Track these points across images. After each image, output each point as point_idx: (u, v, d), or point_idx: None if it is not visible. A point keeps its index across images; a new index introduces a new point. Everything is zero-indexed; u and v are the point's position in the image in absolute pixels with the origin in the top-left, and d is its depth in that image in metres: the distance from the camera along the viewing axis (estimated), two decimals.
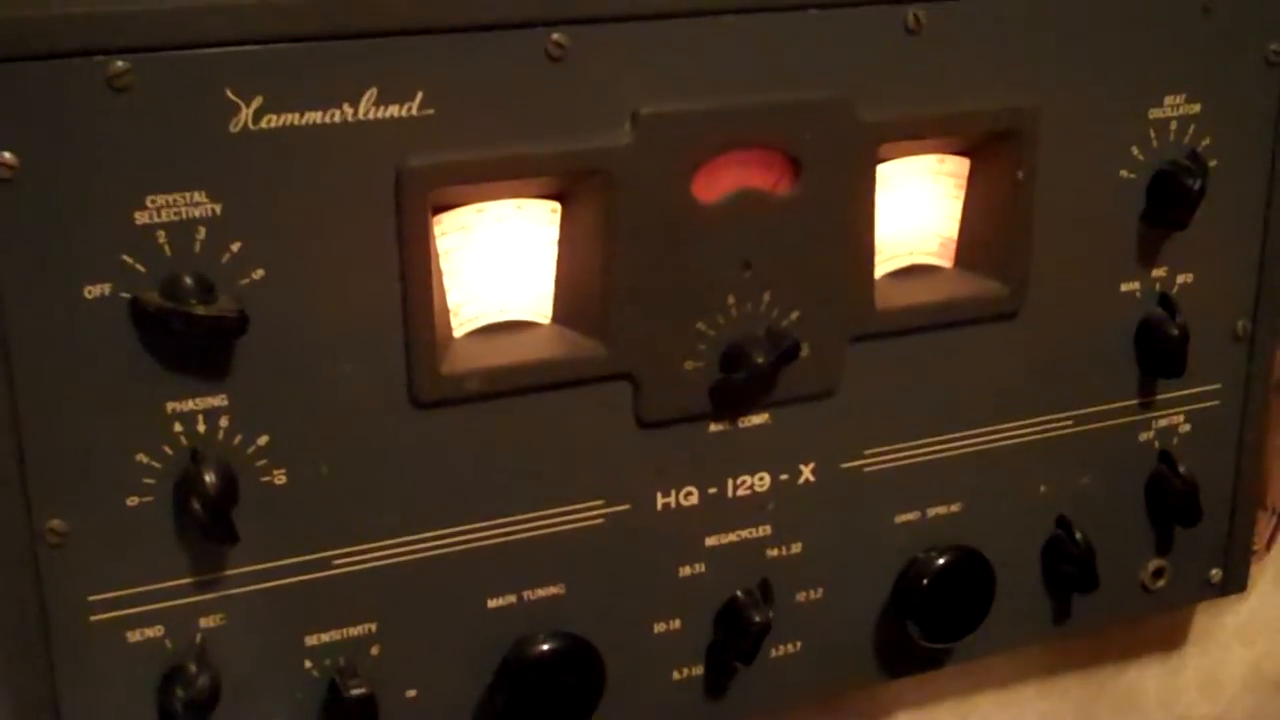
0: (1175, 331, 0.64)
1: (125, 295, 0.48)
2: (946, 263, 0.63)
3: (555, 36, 0.51)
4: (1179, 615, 0.79)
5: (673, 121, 0.53)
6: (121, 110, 0.46)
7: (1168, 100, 0.62)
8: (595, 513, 0.57)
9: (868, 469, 0.62)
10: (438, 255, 0.53)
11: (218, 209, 0.48)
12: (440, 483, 0.54)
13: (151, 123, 0.46)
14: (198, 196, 0.48)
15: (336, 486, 0.52)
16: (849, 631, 0.64)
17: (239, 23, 0.47)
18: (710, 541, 0.59)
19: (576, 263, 0.55)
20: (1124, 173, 0.62)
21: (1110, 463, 0.67)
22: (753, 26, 0.53)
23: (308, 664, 0.54)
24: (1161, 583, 0.70)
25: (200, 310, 0.47)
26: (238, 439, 0.50)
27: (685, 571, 0.59)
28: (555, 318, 0.56)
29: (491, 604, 0.56)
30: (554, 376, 0.54)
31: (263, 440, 0.51)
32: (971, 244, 0.62)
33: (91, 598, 0.50)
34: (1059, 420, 0.65)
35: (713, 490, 0.59)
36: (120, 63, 0.45)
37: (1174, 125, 0.63)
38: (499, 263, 0.55)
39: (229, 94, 0.47)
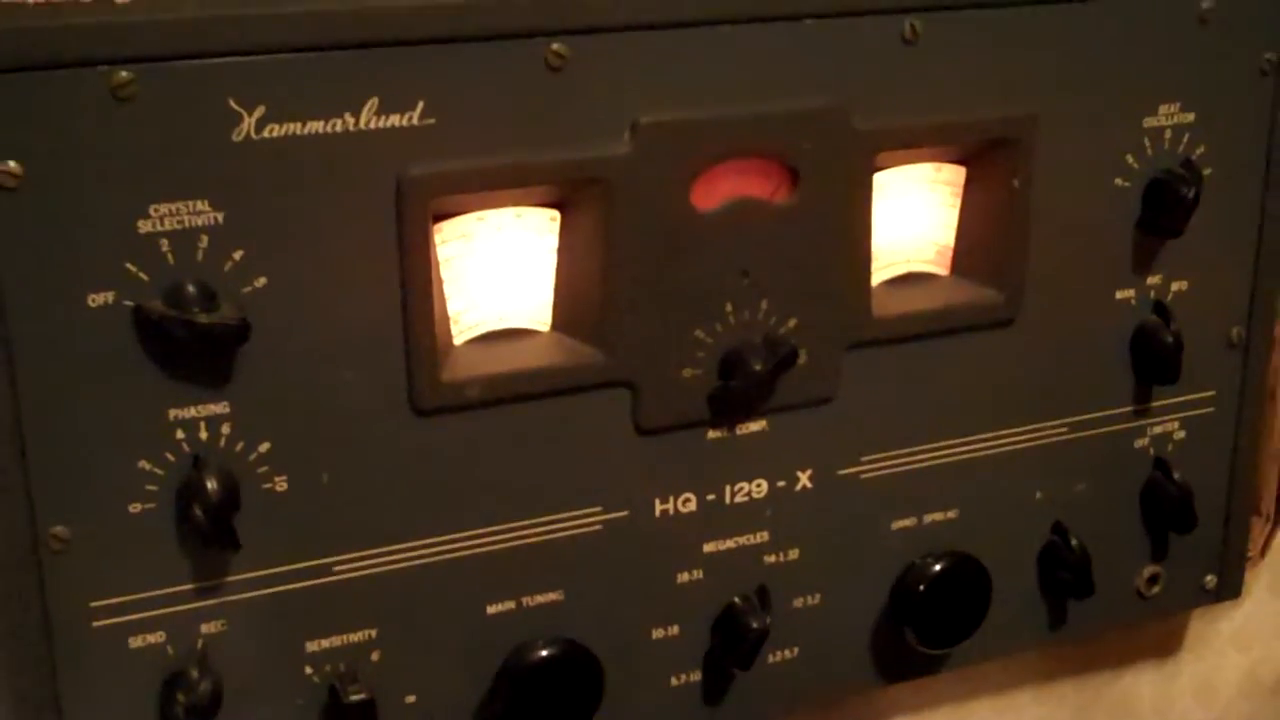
0: (1170, 339, 0.65)
1: (128, 303, 0.48)
2: (943, 270, 0.63)
3: (555, 46, 0.51)
4: (1174, 621, 0.79)
5: (671, 131, 0.53)
6: (125, 120, 0.46)
7: (1162, 109, 0.63)
8: (594, 519, 0.57)
9: (865, 475, 0.62)
10: (438, 263, 0.53)
11: (220, 217, 0.48)
12: (440, 489, 0.54)
13: (155, 132, 0.47)
14: (200, 205, 0.48)
15: (337, 493, 0.53)
16: (846, 637, 0.64)
17: (241, 33, 0.47)
18: (708, 548, 0.60)
19: (576, 271, 0.55)
20: (1119, 181, 0.63)
21: (1105, 469, 0.67)
22: (750, 36, 0.54)
23: (308, 670, 0.54)
24: (1157, 589, 0.70)
25: (203, 318, 0.47)
26: (239, 446, 0.51)
27: (683, 578, 0.60)
28: (554, 325, 0.57)
29: (490, 610, 0.56)
30: (553, 384, 0.55)
31: (264, 447, 0.51)
32: (968, 252, 0.62)
33: (94, 604, 0.50)
34: (1055, 427, 0.65)
35: (711, 497, 0.59)
36: (124, 73, 0.46)
37: (1168, 134, 0.63)
38: (499, 271, 0.55)
39: (232, 104, 0.47)
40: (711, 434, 0.58)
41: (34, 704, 0.50)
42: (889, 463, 0.62)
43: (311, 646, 0.54)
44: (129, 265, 0.48)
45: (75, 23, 0.45)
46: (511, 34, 0.50)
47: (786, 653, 0.62)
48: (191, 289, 0.48)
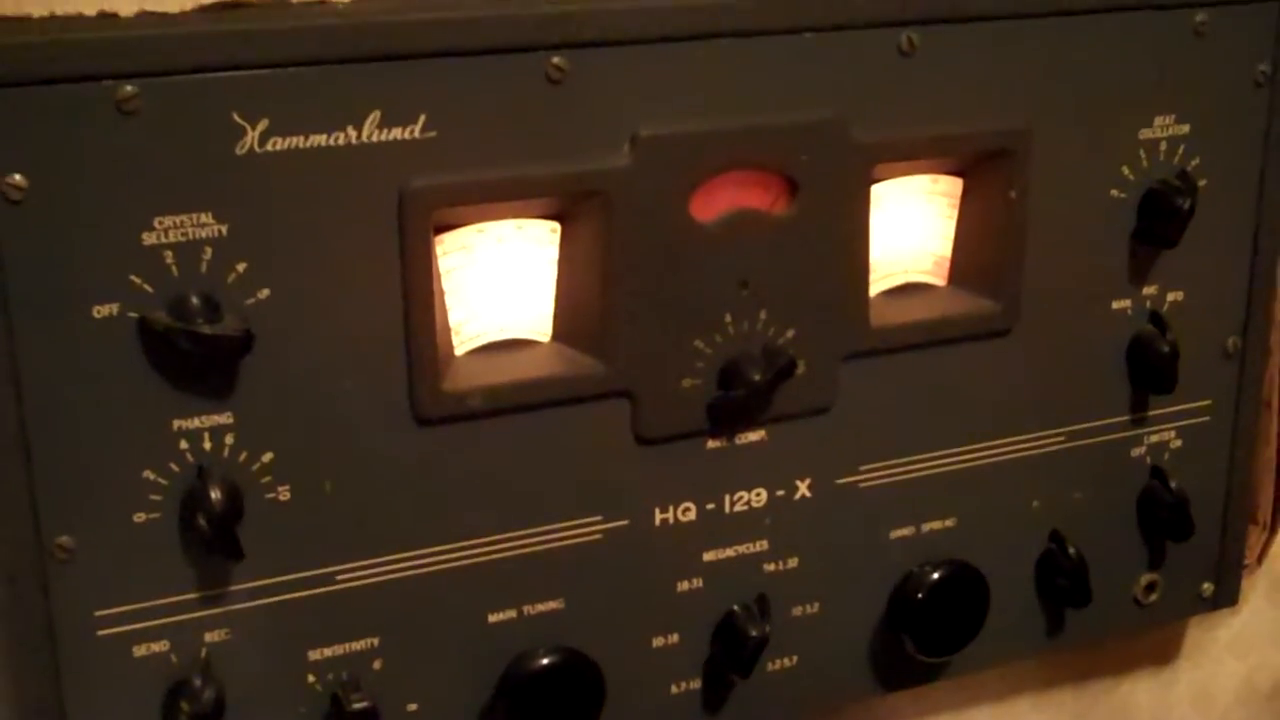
0: (1166, 348, 0.65)
1: (133, 315, 0.48)
2: (940, 281, 0.63)
3: (555, 60, 0.51)
4: (1171, 629, 0.79)
5: (671, 143, 0.54)
6: (130, 133, 0.47)
7: (1158, 121, 0.63)
8: (594, 528, 0.58)
9: (863, 485, 0.62)
10: (439, 274, 0.54)
11: (224, 230, 0.49)
12: (441, 499, 0.54)
13: (159, 145, 0.47)
14: (204, 218, 0.48)
15: (339, 503, 0.53)
16: (845, 645, 0.64)
17: (245, 47, 0.47)
18: (708, 557, 0.60)
19: (576, 282, 0.56)
20: (1115, 192, 0.63)
21: (1102, 478, 0.67)
22: (749, 50, 0.54)
23: (311, 678, 0.54)
24: (1154, 597, 0.71)
25: (206, 329, 0.48)
26: (243, 456, 0.51)
27: (683, 586, 0.60)
28: (555, 336, 0.57)
29: (492, 619, 0.57)
30: (554, 394, 0.55)
31: (267, 457, 0.51)
32: (965, 262, 0.63)
33: (98, 613, 0.51)
34: (1052, 436, 0.66)
35: (710, 506, 0.59)
36: (129, 87, 0.46)
37: (1164, 145, 0.63)
38: (500, 282, 0.56)
39: (235, 117, 0.48)
40: (711, 443, 0.59)
41: (39, 712, 0.51)
42: (887, 472, 0.63)
43: (314, 655, 0.54)
44: (133, 277, 0.48)
45: (80, 37, 0.46)
46: (512, 48, 0.51)
47: (786, 661, 0.63)
48: (195, 300, 0.48)
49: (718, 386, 0.57)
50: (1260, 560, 0.78)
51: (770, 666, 0.62)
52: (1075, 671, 0.77)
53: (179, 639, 0.52)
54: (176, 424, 0.50)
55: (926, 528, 0.64)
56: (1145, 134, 0.63)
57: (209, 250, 0.49)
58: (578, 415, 0.56)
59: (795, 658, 0.63)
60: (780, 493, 0.61)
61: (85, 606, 0.50)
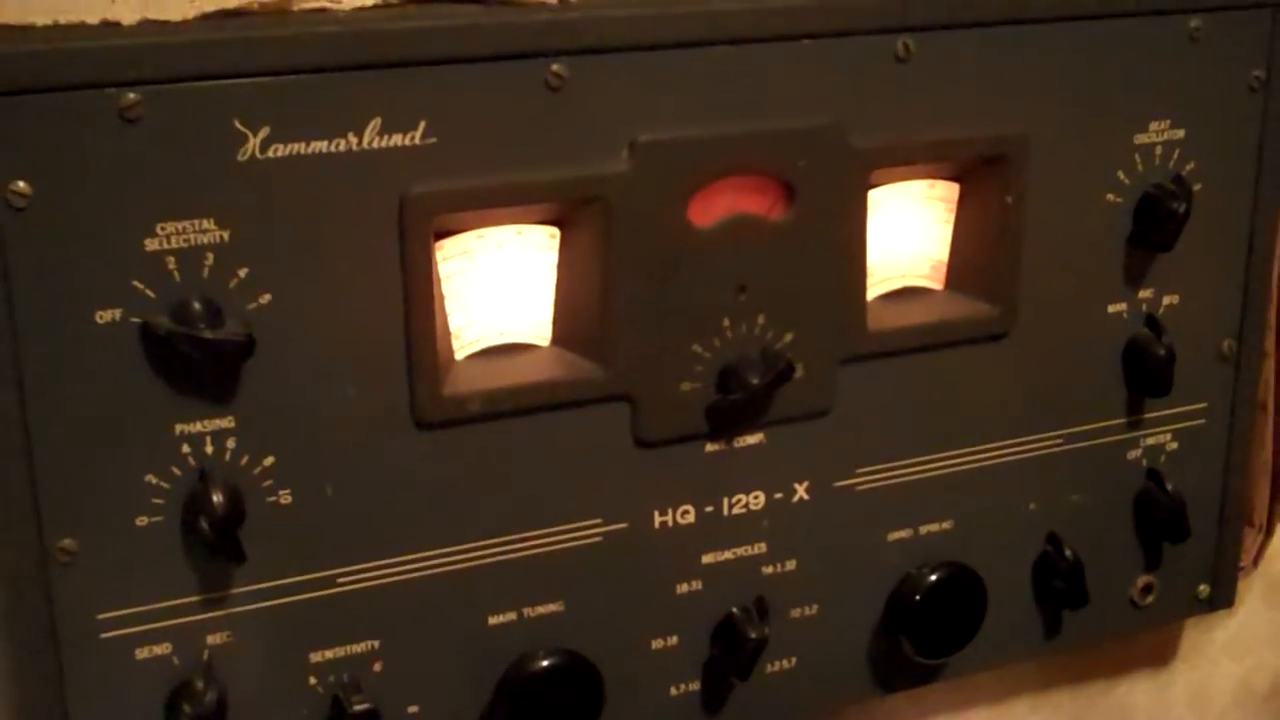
0: (1162, 351, 0.65)
1: (135, 320, 0.49)
2: (937, 285, 0.64)
3: (555, 67, 0.52)
4: (1168, 631, 0.79)
5: (669, 149, 0.54)
6: (132, 140, 0.47)
7: (1153, 126, 0.63)
8: (594, 531, 0.58)
9: (861, 487, 0.62)
10: (440, 280, 0.54)
11: (226, 236, 0.49)
12: (442, 502, 0.55)
13: (161, 152, 0.47)
14: (206, 224, 0.49)
15: (340, 506, 0.53)
16: (843, 647, 0.64)
17: (246, 55, 0.48)
18: (707, 559, 0.60)
19: (575, 287, 0.56)
20: (1110, 196, 0.63)
21: (1099, 480, 0.68)
22: (747, 56, 0.55)
23: (312, 680, 0.55)
24: (1150, 599, 0.71)
25: (208, 334, 0.48)
26: (244, 460, 0.51)
27: (682, 589, 0.60)
28: (554, 340, 0.57)
29: (492, 621, 0.57)
30: (553, 398, 0.55)
31: (269, 461, 0.52)
32: (962, 267, 0.63)
33: (101, 615, 0.51)
34: (1049, 439, 0.66)
35: (709, 509, 0.60)
36: (131, 94, 0.46)
37: (1159, 150, 0.64)
38: (499, 287, 0.56)
39: (237, 124, 0.48)
40: (710, 447, 0.59)
41: (42, 714, 0.51)
42: (885, 474, 0.63)
43: (315, 657, 0.54)
44: (136, 283, 0.48)
45: (83, 45, 0.46)
46: (512, 55, 0.51)
47: (784, 663, 0.63)
48: (197, 306, 0.49)
49: (716, 390, 0.58)
50: (1256, 562, 0.78)
51: (769, 668, 0.63)
52: (1072, 673, 0.78)
53: (181, 641, 0.52)
54: (179, 428, 0.50)
55: (924, 530, 0.64)
56: (1140, 139, 0.63)
57: (211, 256, 0.49)
58: (577, 419, 0.56)
59: (794, 659, 0.63)
60: (778, 495, 0.61)
61: (88, 609, 0.51)
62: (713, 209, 0.56)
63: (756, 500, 0.60)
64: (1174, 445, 0.69)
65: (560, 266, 0.56)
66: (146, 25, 0.48)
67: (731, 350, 0.57)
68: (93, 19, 0.48)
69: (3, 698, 0.52)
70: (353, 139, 0.50)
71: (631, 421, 0.57)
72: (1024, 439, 0.65)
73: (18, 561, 0.49)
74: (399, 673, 0.56)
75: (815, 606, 0.63)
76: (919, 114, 0.58)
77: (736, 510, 0.60)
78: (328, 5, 0.51)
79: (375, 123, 0.50)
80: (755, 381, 0.57)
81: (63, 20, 0.48)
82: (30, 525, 0.49)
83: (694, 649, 0.61)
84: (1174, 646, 0.80)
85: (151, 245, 0.48)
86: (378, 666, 0.55)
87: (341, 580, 0.54)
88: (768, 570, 0.61)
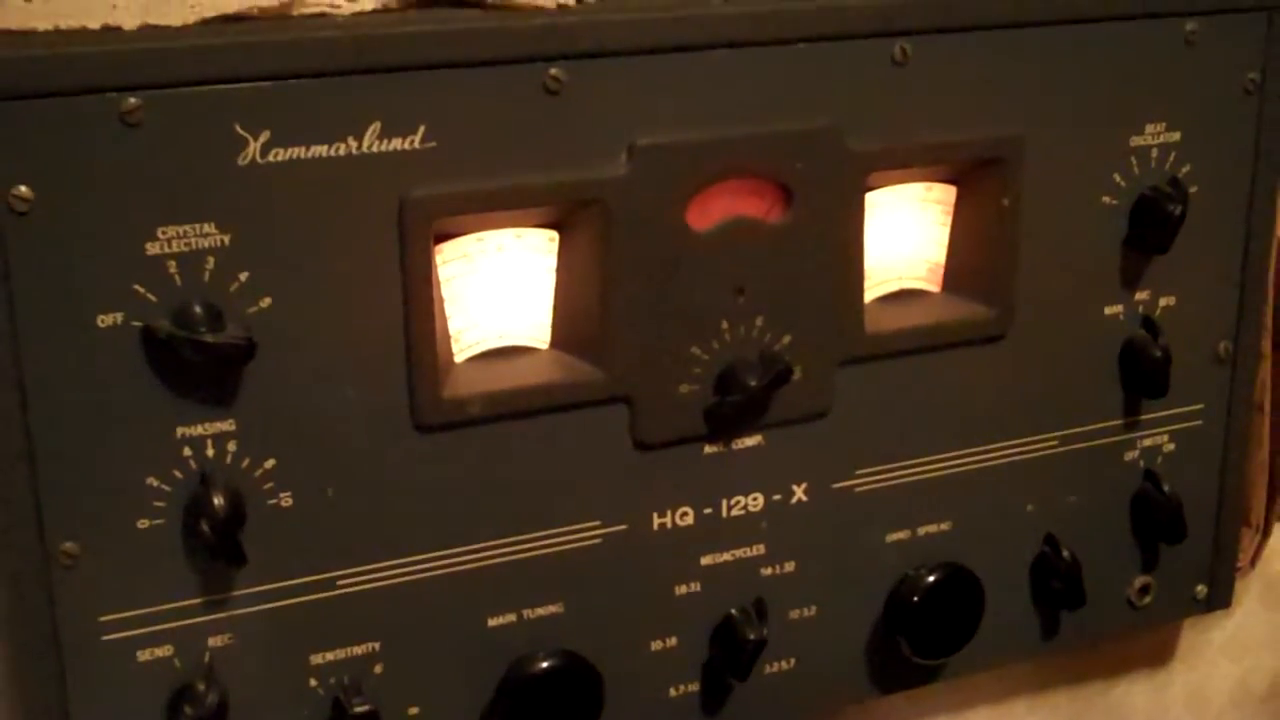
0: (1158, 353, 0.65)
1: (137, 324, 0.49)
2: (934, 287, 0.64)
3: (553, 71, 0.52)
4: (1166, 631, 0.80)
5: (667, 152, 0.54)
6: (133, 145, 0.47)
7: (1149, 128, 0.64)
8: (593, 533, 0.58)
9: (859, 489, 0.63)
10: (439, 283, 0.54)
11: (226, 240, 0.49)
12: (442, 504, 0.55)
13: (162, 157, 0.48)
14: (207, 228, 0.49)
15: (341, 508, 0.53)
16: (842, 648, 0.65)
17: (247, 60, 0.48)
18: (705, 561, 0.60)
19: (574, 290, 0.56)
20: (1107, 199, 0.64)
21: (1096, 482, 0.68)
22: (744, 60, 0.55)
23: (313, 682, 0.55)
24: (1148, 599, 0.71)
25: (209, 338, 0.48)
26: (245, 462, 0.52)
27: (681, 590, 0.60)
28: (553, 343, 0.57)
29: (492, 623, 0.57)
30: (552, 400, 0.56)
31: (269, 464, 0.52)
32: (959, 269, 0.63)
33: (103, 618, 0.51)
34: (1046, 440, 0.66)
35: (708, 510, 0.60)
36: (132, 99, 0.47)
37: (1155, 152, 0.64)
38: (499, 290, 0.56)
39: (237, 128, 0.48)
40: (708, 449, 0.59)
41: (43, 716, 0.51)
42: (883, 476, 0.63)
43: (316, 659, 0.55)
44: (137, 287, 0.48)
45: (84, 51, 0.46)
46: (511, 59, 0.51)
47: (783, 664, 0.63)
48: (198, 309, 0.49)
49: (715, 392, 0.58)
50: (1254, 563, 0.79)
51: (768, 669, 0.63)
52: (1070, 673, 0.78)
53: (182, 643, 0.52)
54: (180, 431, 0.50)
55: (922, 531, 0.65)
56: (1137, 141, 0.63)
57: (212, 260, 0.49)
58: (576, 421, 0.56)
59: (793, 660, 0.63)
60: (777, 497, 0.61)
61: (90, 611, 0.51)
62: (711, 212, 0.56)
63: (755, 502, 0.61)
64: (1171, 446, 0.69)
65: (559, 269, 0.57)
66: (147, 30, 0.48)
67: (730, 352, 0.58)
68: (94, 24, 0.48)
69: (5, 699, 0.52)
70: (353, 143, 0.50)
71: (630, 423, 0.57)
72: (1021, 440, 0.66)
73: (20, 564, 0.49)
74: (399, 674, 0.56)
75: (814, 607, 0.63)
76: (916, 117, 0.59)
77: (735, 512, 0.60)
78: (327, 10, 0.51)
79: (375, 127, 0.50)
80: (753, 383, 0.57)
81: (64, 25, 0.48)
82: (32, 528, 0.49)
83: (693, 650, 0.61)
84: (1172, 647, 0.81)
85: (153, 249, 0.48)
86: (378, 668, 0.56)
87: (342, 582, 0.54)
88: (766, 571, 0.62)
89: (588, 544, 0.58)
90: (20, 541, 0.49)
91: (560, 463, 0.57)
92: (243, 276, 0.50)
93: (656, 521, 0.59)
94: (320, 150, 0.50)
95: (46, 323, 0.48)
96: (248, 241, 0.49)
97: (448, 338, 0.55)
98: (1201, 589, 0.73)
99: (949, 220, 0.63)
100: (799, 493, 0.61)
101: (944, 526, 0.65)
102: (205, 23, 0.49)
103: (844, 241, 0.59)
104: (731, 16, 0.54)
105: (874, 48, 0.57)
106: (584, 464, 0.57)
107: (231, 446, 0.51)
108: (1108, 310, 0.66)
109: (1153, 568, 0.71)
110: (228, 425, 0.51)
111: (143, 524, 0.51)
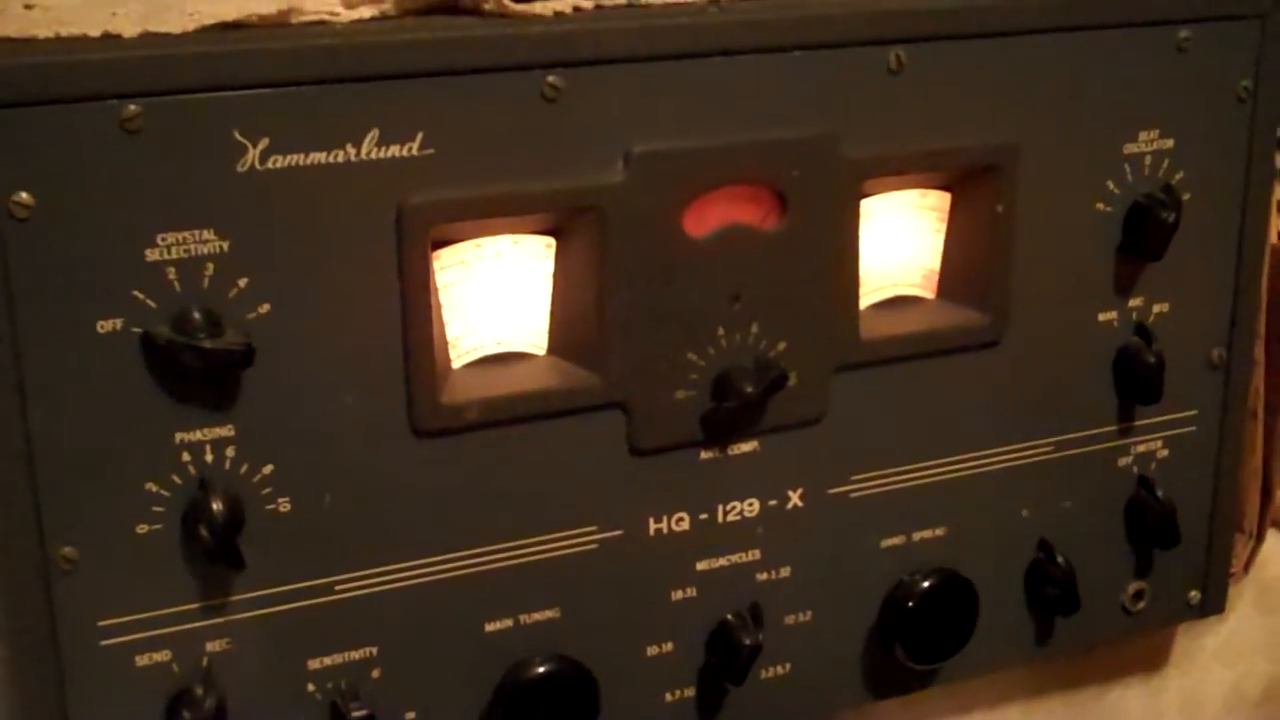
0: (1152, 359, 0.65)
1: (136, 329, 0.49)
2: (929, 294, 0.64)
3: (550, 79, 0.52)
4: (1160, 637, 0.80)
5: (664, 160, 0.55)
6: (133, 152, 0.47)
7: (1142, 136, 0.64)
8: (589, 538, 0.58)
9: (854, 494, 0.63)
10: (437, 289, 0.54)
11: (225, 246, 0.49)
12: (439, 509, 0.55)
13: (162, 163, 0.48)
14: (206, 234, 0.49)
15: (339, 514, 0.53)
16: (837, 653, 0.65)
17: (246, 67, 0.48)
18: (701, 566, 0.61)
19: (571, 296, 0.56)
20: (1100, 206, 0.64)
21: (1090, 487, 0.68)
22: (740, 68, 0.55)
23: (310, 687, 0.55)
24: (1142, 605, 0.71)
25: (208, 344, 0.48)
26: (244, 468, 0.52)
27: (677, 595, 0.60)
28: (551, 349, 0.58)
29: (489, 628, 0.57)
30: (550, 406, 0.56)
31: (268, 469, 0.52)
32: (953, 275, 0.64)
33: (101, 623, 0.51)
34: (1040, 446, 0.67)
35: (703, 516, 0.60)
36: (132, 106, 0.47)
37: (1148, 160, 0.64)
38: (496, 296, 0.56)
39: (237, 135, 0.48)
40: (704, 454, 0.59)
41: None
42: (878, 482, 0.63)
43: (313, 664, 0.55)
44: (137, 293, 0.49)
45: (85, 58, 0.46)
46: (508, 67, 0.51)
47: (779, 669, 0.63)
48: (197, 315, 0.49)
49: (710, 398, 0.58)
50: (1247, 568, 0.79)
51: (763, 674, 0.63)
52: (1065, 679, 0.78)
53: (181, 648, 0.52)
54: (179, 436, 0.51)
55: (917, 537, 0.65)
56: (1130, 149, 0.64)
57: (211, 266, 0.49)
58: (573, 427, 0.56)
59: (788, 665, 0.64)
60: (772, 502, 0.61)
61: (88, 616, 0.51)
62: (707, 219, 0.56)
63: (751, 507, 0.61)
64: (1165, 452, 0.70)
65: (556, 276, 0.57)
66: (147, 38, 0.49)
67: (725, 359, 0.58)
68: (94, 32, 0.48)
69: (4, 704, 0.52)
70: (351, 150, 0.50)
71: (627, 429, 0.57)
72: (1016, 446, 0.66)
73: (19, 569, 0.50)
74: (396, 679, 0.56)
75: (809, 613, 0.63)
76: (911, 124, 0.59)
77: (731, 517, 0.61)
78: (326, 18, 0.52)
79: (373, 134, 0.50)
80: (749, 390, 0.57)
81: (64, 33, 0.48)
82: (31, 533, 0.49)
83: (689, 655, 0.61)
84: (1166, 652, 0.81)
85: (152, 255, 0.49)
86: (375, 673, 0.56)
87: (340, 587, 0.54)
88: (762, 577, 0.62)
89: (584, 549, 0.58)
90: (19, 546, 0.49)
91: (557, 468, 0.57)
92: (241, 283, 0.50)
93: (653, 527, 0.59)
94: (319, 157, 0.50)
95: (46, 328, 0.48)
96: (247, 248, 0.50)
97: (445, 344, 0.55)
98: (1195, 594, 0.73)
99: (944, 227, 0.63)
100: (794, 498, 0.62)
101: (939, 532, 0.65)
102: (204, 30, 0.49)
103: (839, 248, 0.59)
104: (728, 24, 0.55)
105: (869, 55, 0.57)
106: (581, 469, 0.57)
107: (230, 452, 0.51)
108: (1102, 317, 0.66)
109: (1147, 573, 0.71)
110: (226, 431, 0.51)
111: (141, 529, 0.51)
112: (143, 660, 0.52)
